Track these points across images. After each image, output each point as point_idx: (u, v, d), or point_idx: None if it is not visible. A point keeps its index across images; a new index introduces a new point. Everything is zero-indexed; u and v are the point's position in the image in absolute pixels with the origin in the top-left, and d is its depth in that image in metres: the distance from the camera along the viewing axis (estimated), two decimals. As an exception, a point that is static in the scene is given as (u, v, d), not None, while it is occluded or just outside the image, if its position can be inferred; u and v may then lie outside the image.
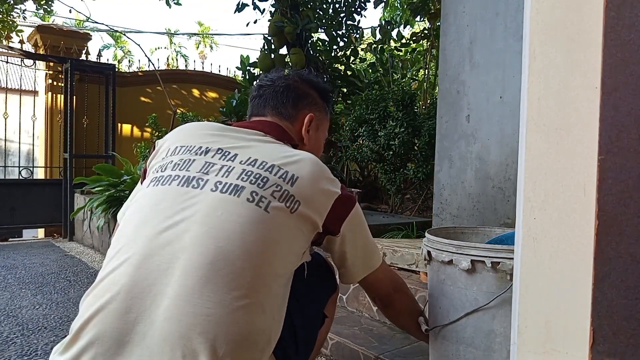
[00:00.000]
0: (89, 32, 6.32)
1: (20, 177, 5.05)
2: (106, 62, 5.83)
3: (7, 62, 5.04)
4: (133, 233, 0.85)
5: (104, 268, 0.85)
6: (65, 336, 0.82)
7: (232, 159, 0.91)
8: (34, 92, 5.56)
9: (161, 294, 0.77)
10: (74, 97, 5.13)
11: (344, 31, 5.24)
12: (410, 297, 1.29)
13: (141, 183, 1.01)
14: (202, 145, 0.94)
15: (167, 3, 5.50)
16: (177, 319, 0.75)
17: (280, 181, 0.88)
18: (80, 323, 0.80)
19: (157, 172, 0.94)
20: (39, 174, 5.52)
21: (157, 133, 5.32)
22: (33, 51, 5.38)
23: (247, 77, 5.18)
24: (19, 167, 5.02)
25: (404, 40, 5.47)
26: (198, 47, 22.36)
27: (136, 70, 7.84)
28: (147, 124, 5.49)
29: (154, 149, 1.03)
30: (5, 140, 5.03)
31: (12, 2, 5.62)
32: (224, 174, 0.88)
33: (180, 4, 5.64)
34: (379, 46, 5.26)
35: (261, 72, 4.93)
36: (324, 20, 5.13)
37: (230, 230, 0.81)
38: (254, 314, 0.80)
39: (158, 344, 0.75)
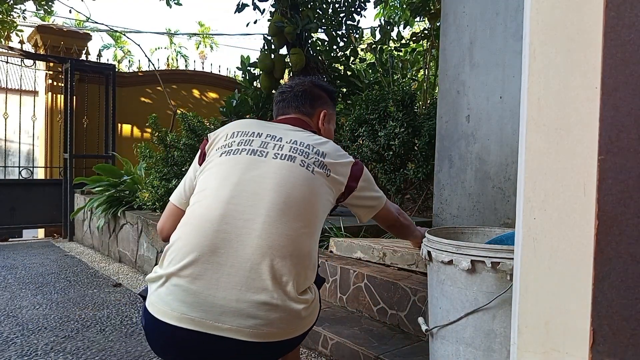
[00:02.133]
0: (89, 32, 6.32)
1: (20, 177, 5.04)
2: (106, 62, 5.83)
3: (7, 62, 5.04)
4: (218, 182, 1.20)
5: (193, 209, 1.20)
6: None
7: (279, 140, 1.29)
8: (34, 92, 5.55)
9: (251, 220, 1.13)
10: (74, 97, 5.13)
11: (343, 31, 5.23)
12: (403, 213, 1.60)
13: (199, 164, 1.34)
14: (254, 131, 1.33)
15: (168, 3, 5.50)
16: (266, 236, 1.11)
17: (316, 155, 1.27)
18: (180, 244, 1.13)
19: (223, 148, 1.30)
20: (39, 174, 5.51)
21: (157, 133, 5.31)
22: (33, 51, 5.38)
23: (247, 77, 5.17)
24: (19, 167, 5.02)
25: (403, 41, 5.46)
26: (198, 47, 22.35)
27: (136, 70, 7.84)
28: (147, 124, 5.48)
29: (207, 141, 1.37)
30: (5, 140, 5.03)
31: (12, 2, 5.62)
32: (278, 149, 1.26)
33: (180, 4, 5.64)
34: (379, 46, 5.25)
35: (261, 72, 4.92)
36: (324, 20, 5.13)
37: (292, 183, 1.19)
38: (310, 239, 1.19)
39: (252, 252, 1.10)
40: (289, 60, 5.07)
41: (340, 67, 5.44)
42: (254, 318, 1.07)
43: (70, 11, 6.69)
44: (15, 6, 5.71)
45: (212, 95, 6.92)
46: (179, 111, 5.56)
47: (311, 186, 1.22)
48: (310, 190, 1.21)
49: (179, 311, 1.09)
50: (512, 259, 0.98)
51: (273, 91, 4.65)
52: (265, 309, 1.08)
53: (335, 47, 5.28)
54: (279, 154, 1.25)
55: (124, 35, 9.80)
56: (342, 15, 5.21)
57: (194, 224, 1.16)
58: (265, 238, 1.11)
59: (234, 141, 1.31)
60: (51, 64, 5.31)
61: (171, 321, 1.09)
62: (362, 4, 5.22)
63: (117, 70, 5.69)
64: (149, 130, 5.76)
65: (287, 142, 1.28)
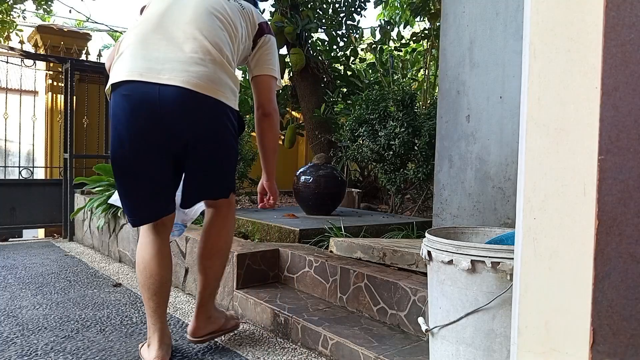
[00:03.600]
0: (89, 32, 6.31)
1: (21, 177, 5.04)
2: (106, 62, 5.83)
3: (7, 62, 5.04)
4: (155, 5, 1.65)
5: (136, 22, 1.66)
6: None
7: None
8: (34, 92, 5.55)
9: (183, 14, 1.58)
10: (74, 97, 5.12)
11: (344, 31, 5.24)
12: (277, 126, 1.99)
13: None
14: None
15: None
16: (197, 24, 1.56)
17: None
18: (129, 39, 1.59)
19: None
20: (39, 174, 5.51)
21: (157, 133, 5.31)
22: (33, 51, 5.38)
23: (248, 77, 5.18)
24: (19, 167, 5.02)
25: (403, 41, 5.47)
26: (198, 47, 22.33)
27: (136, 70, 7.81)
28: (147, 124, 5.47)
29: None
30: (6, 140, 5.03)
31: (11, 2, 5.62)
32: None
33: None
34: (379, 46, 5.25)
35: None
36: (324, 20, 5.13)
37: (213, 4, 1.65)
38: (227, 42, 1.63)
39: (185, 31, 1.55)
40: (289, 60, 5.07)
41: (340, 67, 5.44)
42: (186, 72, 1.48)
43: (70, 11, 6.71)
44: (15, 6, 5.71)
45: (212, 95, 6.91)
46: (179, 111, 5.57)
47: (230, 8, 1.68)
48: (228, 10, 1.66)
49: (130, 68, 1.48)
50: (512, 259, 0.98)
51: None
52: (197, 65, 1.50)
53: (335, 47, 5.28)
54: None
55: (124, 35, 9.78)
56: (342, 15, 5.22)
57: (140, 22, 1.60)
58: (197, 24, 1.55)
59: None
60: (51, 64, 5.30)
61: (123, 78, 1.47)
62: (362, 4, 5.23)
63: (117, 70, 5.67)
64: (149, 130, 5.75)
65: None
